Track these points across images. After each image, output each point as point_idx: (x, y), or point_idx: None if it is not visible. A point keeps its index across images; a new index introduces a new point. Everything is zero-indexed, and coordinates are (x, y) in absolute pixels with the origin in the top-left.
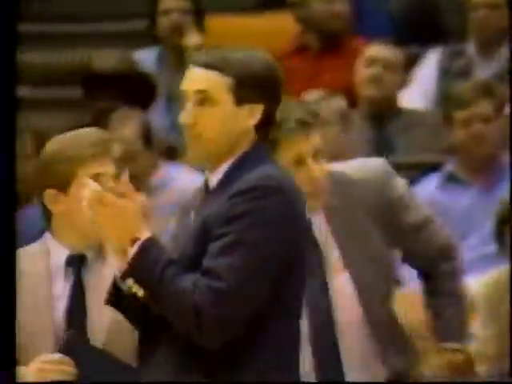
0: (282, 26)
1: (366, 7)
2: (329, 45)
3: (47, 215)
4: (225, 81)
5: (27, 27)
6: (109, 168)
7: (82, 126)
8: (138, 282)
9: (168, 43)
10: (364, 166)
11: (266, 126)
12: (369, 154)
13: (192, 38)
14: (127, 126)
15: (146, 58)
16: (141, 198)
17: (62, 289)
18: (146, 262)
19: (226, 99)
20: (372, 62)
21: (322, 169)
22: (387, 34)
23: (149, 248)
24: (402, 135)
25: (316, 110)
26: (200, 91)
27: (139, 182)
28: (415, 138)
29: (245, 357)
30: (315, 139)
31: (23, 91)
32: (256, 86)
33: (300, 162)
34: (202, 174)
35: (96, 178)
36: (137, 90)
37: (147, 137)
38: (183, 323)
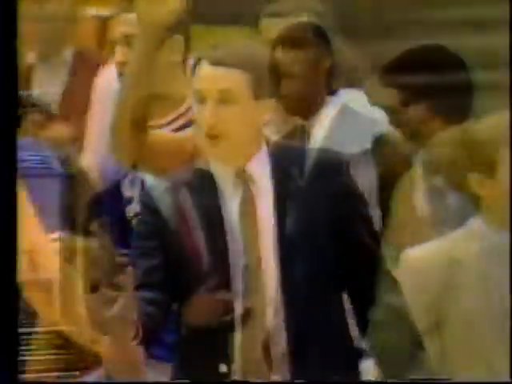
0: None
1: None
2: None
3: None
4: (245, 78)
5: None
6: None
7: None
8: None
9: None
10: None
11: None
12: None
13: None
14: None
15: None
16: None
17: None
18: None
19: (247, 96)
20: None
21: None
22: None
23: None
24: None
25: None
26: (224, 90)
27: None
28: None
29: None
30: None
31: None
32: (268, 80)
33: None
34: None
35: None
36: None
37: None
38: None
